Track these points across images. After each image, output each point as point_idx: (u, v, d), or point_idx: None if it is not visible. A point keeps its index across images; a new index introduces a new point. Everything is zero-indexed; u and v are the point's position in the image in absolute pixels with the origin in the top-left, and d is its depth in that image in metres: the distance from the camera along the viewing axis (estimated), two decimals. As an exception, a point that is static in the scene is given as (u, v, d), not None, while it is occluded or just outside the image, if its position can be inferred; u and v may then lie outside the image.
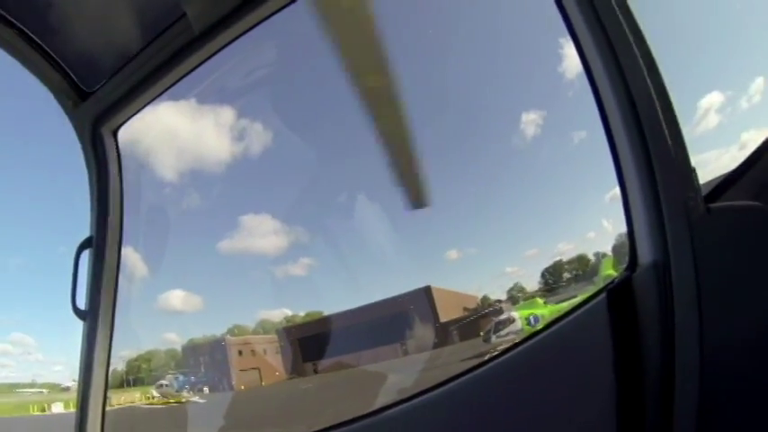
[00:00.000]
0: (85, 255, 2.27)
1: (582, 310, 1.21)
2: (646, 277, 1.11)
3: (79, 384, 2.31)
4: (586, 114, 1.23)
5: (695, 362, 1.07)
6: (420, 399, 1.37)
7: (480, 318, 8.99)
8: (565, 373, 1.21)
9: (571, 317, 1.23)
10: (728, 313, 1.09)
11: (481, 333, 8.49)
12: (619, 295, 1.14)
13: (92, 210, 2.29)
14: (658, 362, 1.09)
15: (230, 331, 16.59)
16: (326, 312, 13.55)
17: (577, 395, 1.19)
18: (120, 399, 16.03)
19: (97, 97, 2.07)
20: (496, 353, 1.33)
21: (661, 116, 1.11)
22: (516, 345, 1.31)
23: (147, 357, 19.76)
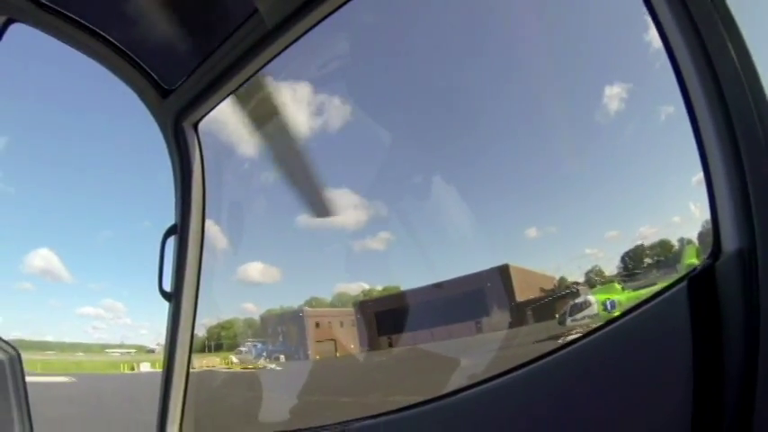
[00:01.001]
0: (171, 241, 2.40)
1: (660, 298, 1.15)
2: (730, 266, 1.03)
3: (164, 362, 2.47)
4: (674, 88, 1.13)
5: None
6: (489, 384, 1.36)
7: (556, 299, 8.86)
8: (640, 364, 1.16)
9: (649, 305, 1.17)
10: None
11: (557, 315, 8.38)
12: (700, 284, 1.07)
13: (176, 199, 2.44)
14: (741, 358, 1.01)
15: (307, 303, 17.26)
16: (403, 287, 13.76)
17: (652, 389, 1.13)
18: (201, 362, 17.28)
19: (178, 94, 2.19)
20: (570, 338, 1.31)
21: (748, 93, 1.02)
22: (590, 332, 1.27)
23: (226, 326, 20.90)
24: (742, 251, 1.00)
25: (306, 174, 2.75)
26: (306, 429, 1.74)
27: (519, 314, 9.09)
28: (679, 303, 1.07)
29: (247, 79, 2.05)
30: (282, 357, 15.93)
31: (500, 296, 9.37)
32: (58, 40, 2.19)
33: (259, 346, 17.12)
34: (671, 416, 1.09)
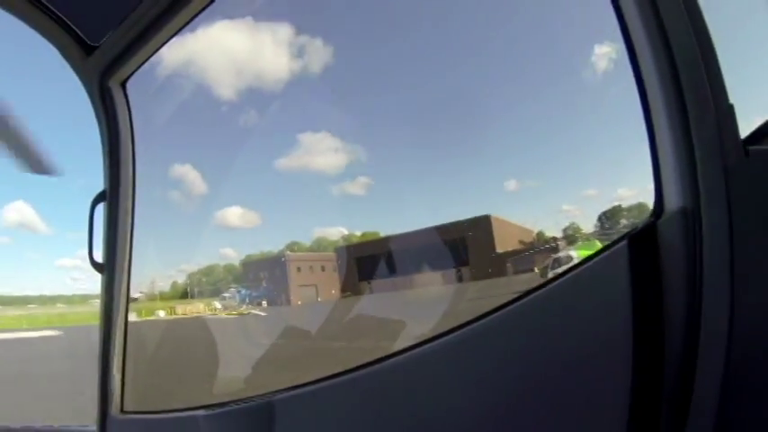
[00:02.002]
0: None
1: (600, 257, 1.15)
2: (672, 224, 1.04)
3: (100, 335, 2.42)
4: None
5: (724, 320, 0.99)
6: (428, 346, 1.34)
7: (537, 253, 9.07)
8: (581, 322, 1.16)
9: (589, 264, 1.18)
10: (765, 267, 1.00)
11: (535, 268, 8.64)
12: (641, 243, 1.06)
13: (104, 163, 2.33)
14: (682, 318, 1.02)
15: (288, 248, 17.36)
16: (383, 233, 13.87)
17: (590, 349, 1.14)
18: (186, 309, 17.42)
19: (102, 50, 2.06)
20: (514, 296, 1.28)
21: (696, 44, 0.99)
22: (530, 291, 1.26)
23: (206, 272, 21.01)
24: (686, 209, 1.01)
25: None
26: (233, 402, 1.78)
27: (500, 265, 9.28)
28: (619, 261, 1.09)
29: (177, 31, 1.95)
30: (265, 302, 16.17)
31: (481, 246, 9.52)
32: None
33: (243, 291, 17.26)
34: (612, 373, 1.11)
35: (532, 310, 1.24)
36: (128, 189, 2.31)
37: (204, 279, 19.10)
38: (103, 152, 2.31)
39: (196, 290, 18.63)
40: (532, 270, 8.60)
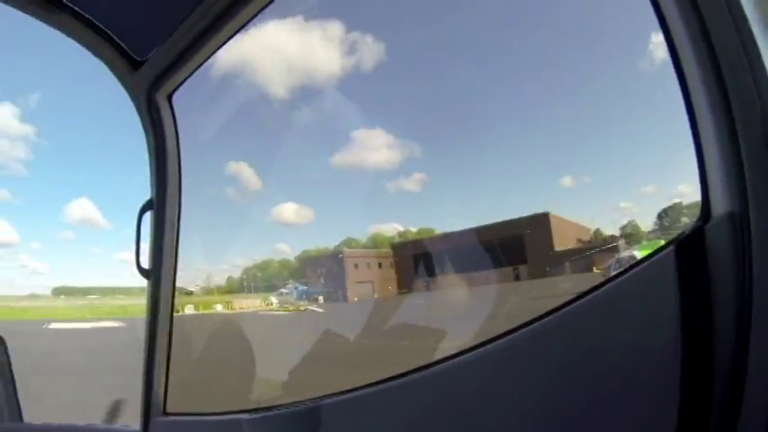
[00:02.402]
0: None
1: (647, 263, 1.11)
2: (720, 229, 1.00)
3: (146, 341, 2.49)
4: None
5: None
6: (470, 355, 1.31)
7: (597, 253, 8.74)
8: (626, 330, 1.12)
9: (635, 270, 1.14)
10: None
11: (596, 269, 8.27)
12: (689, 249, 1.03)
13: (151, 173, 2.39)
14: (732, 326, 0.97)
15: (344, 244, 17.53)
16: (438, 230, 13.79)
17: (637, 357, 1.10)
18: (242, 304, 17.71)
19: (150, 65, 2.11)
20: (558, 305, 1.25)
21: (739, 44, 0.94)
22: (574, 299, 1.22)
23: (261, 266, 21.37)
24: (733, 214, 0.97)
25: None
26: (277, 406, 1.76)
27: (558, 264, 9.12)
28: (666, 268, 1.04)
29: (224, 43, 1.98)
30: (321, 299, 16.29)
31: (539, 244, 9.36)
32: (24, 12, 2.10)
33: (300, 287, 17.39)
34: (660, 382, 1.06)
35: (580, 317, 1.22)
36: (174, 198, 2.38)
37: (259, 274, 19.54)
38: (150, 162, 2.38)
39: (252, 284, 19.10)
40: (592, 270, 8.28)
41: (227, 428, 1.99)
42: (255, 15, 1.85)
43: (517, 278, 9.89)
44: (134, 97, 2.25)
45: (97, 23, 2.05)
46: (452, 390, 1.30)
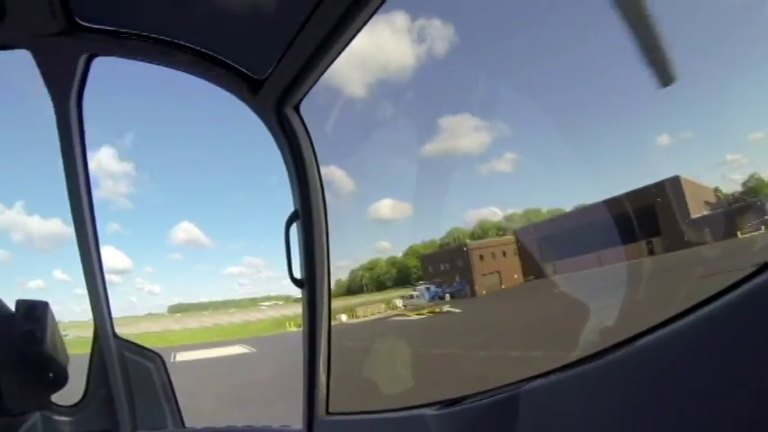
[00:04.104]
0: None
1: None
2: None
3: (305, 349, 2.56)
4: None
5: None
6: (679, 323, 1.12)
7: (737, 213, 7.55)
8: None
9: None
10: None
11: (738, 232, 7.13)
12: None
13: (292, 185, 2.45)
14: None
15: (449, 235, 17.10)
16: (544, 210, 13.01)
17: None
18: (366, 311, 17.44)
19: (271, 83, 2.16)
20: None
21: None
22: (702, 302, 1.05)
23: (369, 266, 21.21)
24: None
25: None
26: (465, 398, 1.62)
27: (696, 232, 8.10)
28: None
29: (344, 47, 1.96)
30: (447, 296, 15.82)
31: (672, 213, 8.43)
32: (143, 60, 2.37)
33: (433, 288, 16.79)
34: None
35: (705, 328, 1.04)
36: (319, 206, 2.42)
37: (366, 274, 19.60)
38: (290, 175, 2.43)
39: (361, 285, 19.07)
40: (735, 236, 7.12)
41: (406, 426, 1.91)
42: (371, 16, 1.82)
43: (651, 252, 8.99)
44: (262, 115, 2.32)
45: (214, 55, 2.18)
46: (659, 365, 1.13)
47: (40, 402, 2.92)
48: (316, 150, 2.43)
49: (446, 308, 14.96)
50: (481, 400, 1.54)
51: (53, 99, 2.70)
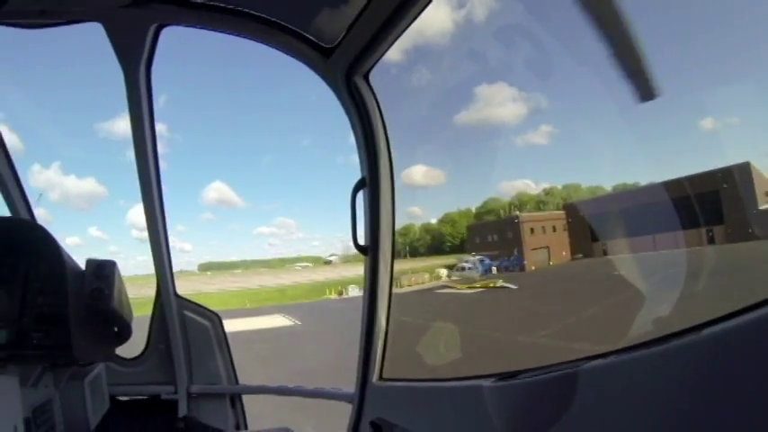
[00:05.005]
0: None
1: None
2: None
3: (364, 315, 2.63)
4: None
5: None
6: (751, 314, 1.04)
7: None
8: None
9: None
10: None
11: None
12: None
13: (359, 152, 2.47)
14: None
15: (485, 204, 16.61)
16: (584, 185, 12.34)
17: None
18: (411, 280, 17.06)
19: (342, 50, 2.17)
20: None
21: None
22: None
23: (402, 232, 20.93)
24: None
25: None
26: (533, 369, 1.61)
27: (765, 225, 7.45)
28: None
29: (415, 17, 1.95)
30: (494, 270, 15.33)
31: (738, 201, 7.78)
32: (213, 30, 2.42)
33: (487, 261, 16.12)
34: None
35: None
36: (387, 174, 2.43)
37: (399, 239, 19.35)
38: (357, 142, 2.47)
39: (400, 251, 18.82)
40: None
41: (461, 395, 1.88)
42: None
43: (711, 241, 8.39)
44: (331, 82, 2.35)
45: (284, 23, 2.22)
46: (725, 358, 1.06)
47: (106, 354, 3.16)
48: (385, 119, 2.41)
49: (500, 283, 14.33)
50: (538, 375, 1.52)
51: (124, 70, 2.75)
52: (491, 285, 14.44)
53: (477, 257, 16.38)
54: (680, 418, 1.08)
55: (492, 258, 15.88)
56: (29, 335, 2.39)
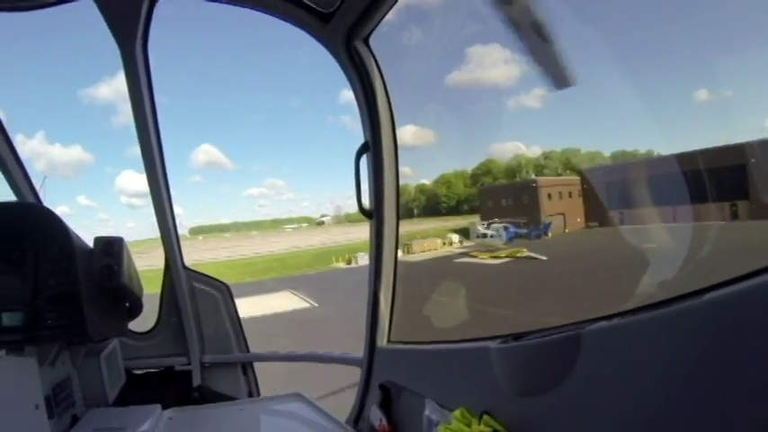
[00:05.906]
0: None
1: None
2: None
3: (370, 277, 2.66)
4: None
5: None
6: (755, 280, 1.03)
7: None
8: None
9: None
10: None
11: None
12: None
13: (362, 117, 2.47)
14: None
15: (481, 166, 16.25)
16: (584, 150, 11.95)
17: None
18: (423, 246, 16.38)
19: (340, 15, 2.15)
20: None
21: None
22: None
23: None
24: None
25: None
26: (539, 331, 1.61)
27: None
28: None
29: None
30: (504, 236, 14.59)
31: (765, 177, 7.44)
32: (226, 3, 2.36)
33: (512, 228, 14.87)
34: None
35: None
36: (389, 138, 2.46)
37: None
38: (360, 108, 2.48)
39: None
40: None
41: (468, 356, 1.90)
42: None
43: (735, 216, 8.11)
44: (331, 48, 2.34)
45: None
46: (727, 323, 1.06)
47: (119, 329, 3.21)
48: (386, 82, 2.40)
49: (525, 252, 13.36)
50: (543, 337, 1.54)
51: (119, 45, 2.70)
52: (518, 255, 13.40)
53: (501, 224, 15.27)
54: (679, 380, 1.09)
55: (517, 226, 14.83)
56: (43, 316, 2.47)
